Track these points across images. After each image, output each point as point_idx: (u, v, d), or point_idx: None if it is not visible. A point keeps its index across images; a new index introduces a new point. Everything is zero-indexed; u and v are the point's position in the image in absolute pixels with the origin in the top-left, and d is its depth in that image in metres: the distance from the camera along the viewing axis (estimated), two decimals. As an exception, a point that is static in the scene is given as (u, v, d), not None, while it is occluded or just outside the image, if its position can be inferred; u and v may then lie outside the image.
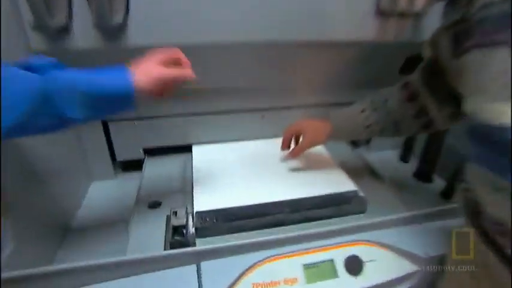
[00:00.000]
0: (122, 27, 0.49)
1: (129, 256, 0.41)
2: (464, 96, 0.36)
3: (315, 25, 0.56)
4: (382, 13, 0.56)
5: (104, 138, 0.67)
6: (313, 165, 0.66)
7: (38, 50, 0.48)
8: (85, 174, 0.69)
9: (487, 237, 0.36)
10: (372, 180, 0.69)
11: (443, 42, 0.41)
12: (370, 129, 0.55)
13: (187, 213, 0.52)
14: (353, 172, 0.64)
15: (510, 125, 0.28)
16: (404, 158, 0.80)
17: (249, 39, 0.55)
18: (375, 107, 0.54)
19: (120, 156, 0.71)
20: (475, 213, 0.37)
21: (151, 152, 0.74)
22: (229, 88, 0.65)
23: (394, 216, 0.50)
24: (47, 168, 0.53)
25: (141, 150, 0.73)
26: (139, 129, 0.69)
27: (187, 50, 0.44)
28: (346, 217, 0.56)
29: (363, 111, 0.55)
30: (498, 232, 0.34)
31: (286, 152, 0.65)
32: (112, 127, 0.67)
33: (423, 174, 0.72)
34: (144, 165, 0.72)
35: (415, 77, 0.52)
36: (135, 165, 0.73)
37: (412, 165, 0.76)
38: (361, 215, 0.57)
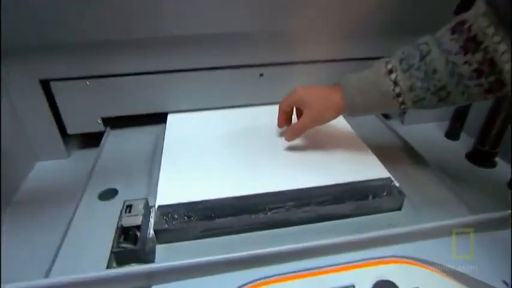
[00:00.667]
0: None
1: (35, 282, 0.33)
2: None
3: None
4: None
5: (45, 103, 0.59)
6: (328, 141, 0.60)
7: None
8: (24, 152, 0.61)
9: None
10: (410, 163, 0.62)
11: None
12: (401, 100, 0.45)
13: (146, 208, 0.45)
14: (384, 152, 0.58)
15: None
16: (452, 133, 0.72)
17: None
18: (407, 65, 0.44)
19: (72, 129, 0.64)
20: None
21: (114, 122, 0.68)
22: (217, 35, 0.59)
23: (448, 221, 0.41)
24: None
25: (99, 120, 0.65)
26: (95, 92, 0.61)
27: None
28: (374, 216, 0.48)
29: (389, 72, 0.45)
30: None
31: (284, 130, 0.59)
32: (56, 88, 0.58)
33: (482, 156, 0.64)
34: (102, 141, 0.65)
35: (478, 12, 0.40)
36: (97, 141, 0.66)
37: (464, 142, 0.70)
38: (396, 213, 0.50)
